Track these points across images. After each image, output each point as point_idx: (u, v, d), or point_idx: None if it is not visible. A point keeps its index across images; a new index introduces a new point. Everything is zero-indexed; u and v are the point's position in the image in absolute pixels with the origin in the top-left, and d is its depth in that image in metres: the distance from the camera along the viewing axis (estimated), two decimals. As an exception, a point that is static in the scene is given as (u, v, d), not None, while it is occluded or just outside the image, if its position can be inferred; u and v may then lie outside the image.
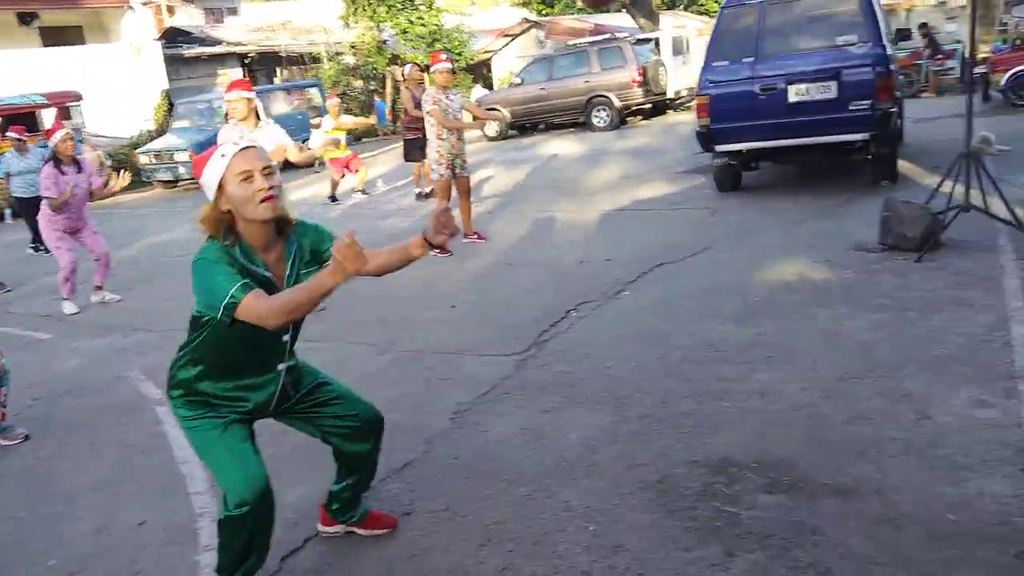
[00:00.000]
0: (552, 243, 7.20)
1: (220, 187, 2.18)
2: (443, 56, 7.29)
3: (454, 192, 7.34)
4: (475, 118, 7.89)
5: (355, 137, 19.50)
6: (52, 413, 4.49)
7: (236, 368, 2.34)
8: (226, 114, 6.56)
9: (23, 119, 14.79)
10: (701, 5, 27.35)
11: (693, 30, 21.22)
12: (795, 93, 7.45)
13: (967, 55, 5.72)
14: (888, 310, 4.32)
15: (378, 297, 6.01)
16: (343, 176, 11.38)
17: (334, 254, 1.91)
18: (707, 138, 7.96)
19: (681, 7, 27.75)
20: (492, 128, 18.66)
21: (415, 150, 10.14)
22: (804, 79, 7.41)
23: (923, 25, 16.91)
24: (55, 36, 21.48)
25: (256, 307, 2.06)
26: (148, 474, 3.54)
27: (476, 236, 7.63)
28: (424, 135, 7.73)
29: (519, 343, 4.59)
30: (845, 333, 4.08)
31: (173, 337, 5.69)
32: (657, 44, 18.55)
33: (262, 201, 2.16)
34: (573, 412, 3.58)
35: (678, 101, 19.06)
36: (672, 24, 21.95)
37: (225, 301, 2.07)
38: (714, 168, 8.38)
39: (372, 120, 12.84)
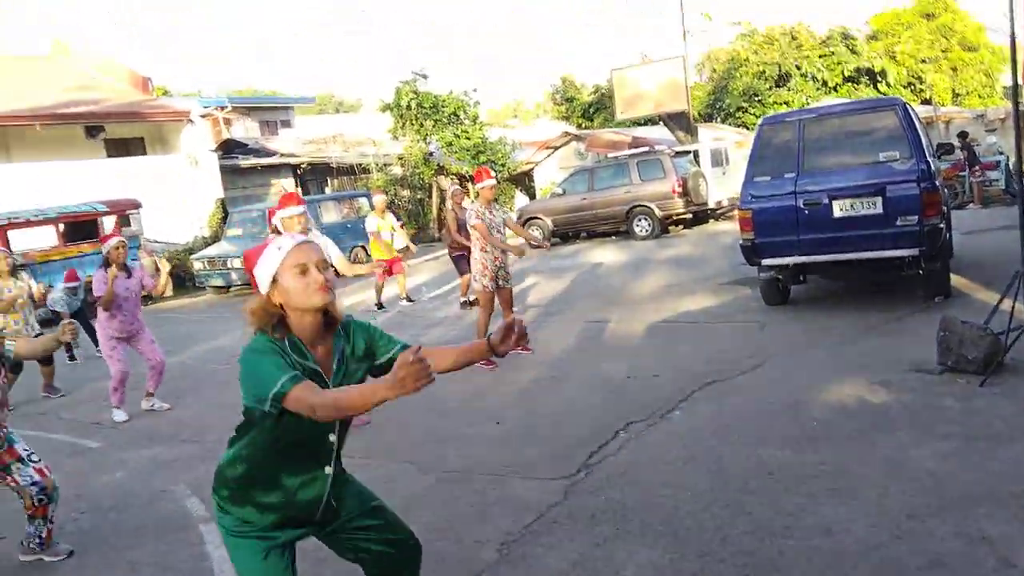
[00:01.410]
0: (598, 355, 7.13)
1: (274, 279, 2.20)
2: (488, 174, 7.53)
3: (496, 303, 7.41)
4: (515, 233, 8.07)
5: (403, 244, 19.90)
6: (96, 528, 4.44)
7: (284, 466, 2.27)
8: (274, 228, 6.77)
9: (84, 226, 15.47)
10: (738, 118, 27.90)
11: (732, 142, 21.60)
12: (840, 208, 7.44)
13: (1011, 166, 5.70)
14: (956, 438, 4.13)
15: (421, 409, 5.95)
16: (384, 280, 11.52)
17: (397, 370, 1.86)
18: (752, 251, 7.95)
19: (718, 119, 28.36)
20: (535, 235, 18.98)
21: (463, 264, 10.35)
22: (848, 194, 7.41)
23: (962, 135, 17.00)
24: (119, 147, 22.62)
25: (306, 397, 2.03)
26: (189, 601, 3.45)
27: (520, 347, 7.61)
28: (468, 251, 7.88)
29: (567, 465, 4.47)
30: (911, 463, 3.90)
31: (219, 450, 5.69)
32: (696, 156, 18.92)
33: (318, 289, 2.18)
34: (627, 546, 3.43)
35: (719, 211, 19.26)
36: (710, 136, 22.40)
37: (275, 390, 2.04)
38: (761, 281, 8.33)
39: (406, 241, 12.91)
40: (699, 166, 18.55)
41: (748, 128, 25.97)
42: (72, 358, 10.22)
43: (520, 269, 14.03)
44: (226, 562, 3.75)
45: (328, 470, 2.33)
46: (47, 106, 20.83)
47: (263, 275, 2.23)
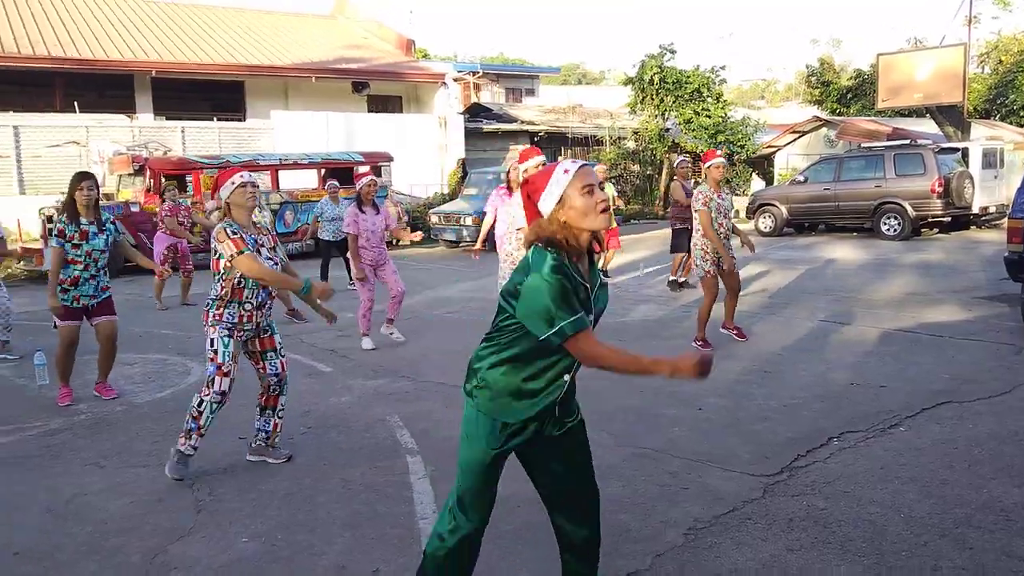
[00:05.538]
0: (820, 356, 6.70)
1: (561, 199, 2.37)
2: (717, 153, 7.26)
3: (721, 286, 7.17)
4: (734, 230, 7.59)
5: (624, 218, 19.91)
6: (319, 444, 4.91)
7: (539, 372, 2.46)
8: (508, 183, 7.06)
9: (341, 173, 16.96)
10: (1022, 117, 24.55)
11: (1010, 143, 19.16)
12: None
13: None
14: None
15: (621, 384, 5.93)
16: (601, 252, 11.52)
17: (681, 362, 2.24)
18: (1018, 266, 7.07)
19: (997, 116, 25.17)
20: (766, 223, 18.14)
21: (683, 240, 10.05)
22: None
23: None
24: (379, 103, 24.48)
25: (582, 347, 2.29)
26: (389, 523, 3.72)
27: (736, 332, 7.33)
28: (691, 226, 7.64)
29: (770, 464, 4.27)
30: None
31: (432, 389, 6.09)
32: (965, 155, 17.00)
33: (602, 211, 2.36)
34: (823, 557, 3.22)
35: (984, 217, 17.22)
36: (985, 134, 19.99)
37: (557, 328, 2.27)
38: (1023, 300, 7.38)
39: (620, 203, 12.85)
40: (967, 166, 16.65)
41: (1034, 128, 22.84)
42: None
43: (744, 257, 13.46)
44: (425, 494, 4.02)
45: (566, 378, 2.51)
46: (323, 61, 22.98)
47: (552, 194, 2.38)
